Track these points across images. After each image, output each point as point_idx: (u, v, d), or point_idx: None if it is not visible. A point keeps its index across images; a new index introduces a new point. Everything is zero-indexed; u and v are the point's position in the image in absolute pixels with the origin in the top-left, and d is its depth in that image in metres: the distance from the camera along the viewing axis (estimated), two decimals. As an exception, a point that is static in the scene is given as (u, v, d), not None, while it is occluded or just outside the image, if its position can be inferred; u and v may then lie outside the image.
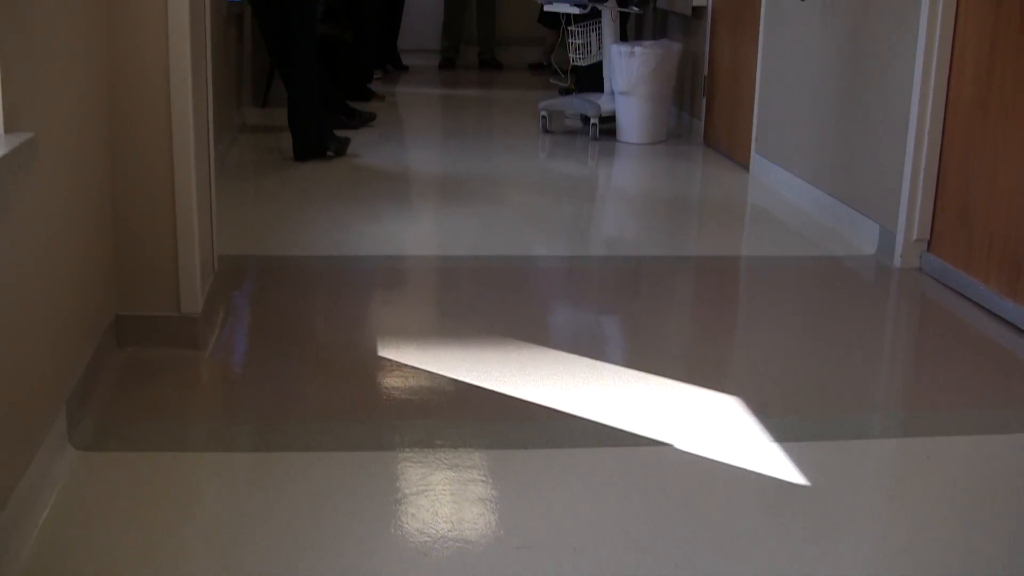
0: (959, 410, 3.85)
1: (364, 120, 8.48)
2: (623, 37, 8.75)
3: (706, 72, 8.17)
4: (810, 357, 4.30)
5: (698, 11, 8.30)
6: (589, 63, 8.52)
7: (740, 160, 7.53)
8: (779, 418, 3.65)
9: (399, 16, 11.49)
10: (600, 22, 8.38)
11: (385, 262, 5.46)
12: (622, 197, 7.27)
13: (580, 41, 8.45)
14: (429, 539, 2.79)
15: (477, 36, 12.33)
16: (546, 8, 8.61)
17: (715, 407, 3.73)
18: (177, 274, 3.99)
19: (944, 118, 5.19)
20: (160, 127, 3.89)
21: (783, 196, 6.73)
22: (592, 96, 8.44)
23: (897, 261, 5.42)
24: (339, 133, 7.59)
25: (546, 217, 6.44)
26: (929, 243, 5.35)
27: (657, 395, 3.83)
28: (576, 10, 8.24)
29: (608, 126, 8.28)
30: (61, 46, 3.18)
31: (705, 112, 8.24)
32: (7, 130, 2.61)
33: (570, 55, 8.52)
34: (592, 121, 8.21)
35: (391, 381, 3.91)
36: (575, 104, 8.44)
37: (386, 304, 4.98)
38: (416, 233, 6.02)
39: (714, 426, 3.57)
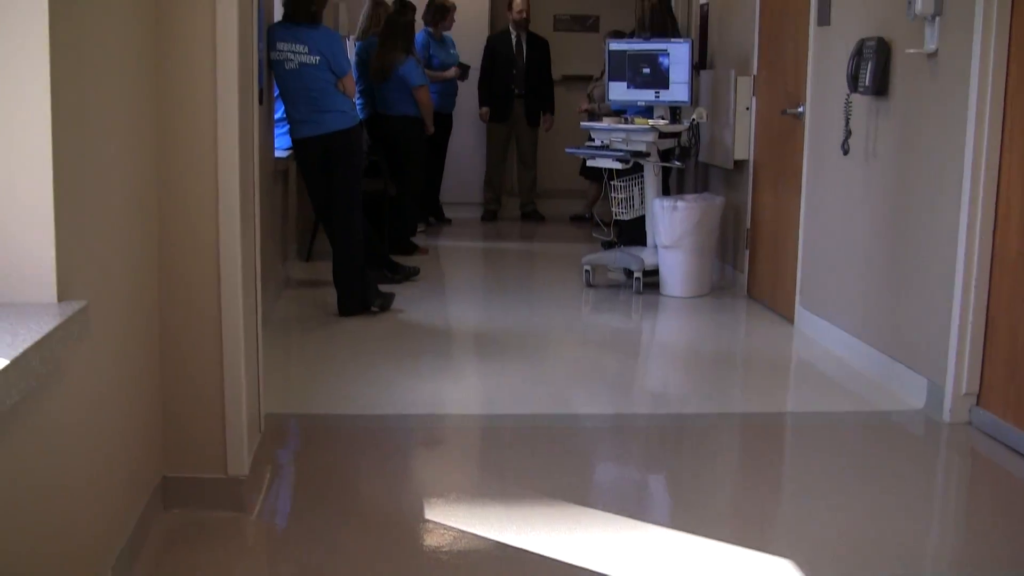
0: (1014, 570, 3.77)
1: (408, 275, 8.53)
2: (665, 191, 8.81)
3: (748, 225, 8.20)
4: (860, 518, 4.23)
5: (740, 164, 8.36)
6: (632, 217, 8.57)
7: (784, 313, 7.51)
8: (833, 582, 3.58)
9: (441, 169, 11.63)
10: (642, 176, 8.46)
11: (429, 421, 5.45)
12: (666, 352, 7.25)
13: (623, 195, 8.51)
14: None
15: (519, 188, 12.47)
16: (589, 163, 8.70)
17: (765, 570, 3.66)
18: (224, 435, 3.99)
19: (991, 270, 5.18)
20: (209, 289, 3.92)
21: (828, 349, 6.69)
22: (635, 250, 8.47)
23: (946, 416, 5.35)
24: (383, 288, 7.63)
25: (590, 373, 6.43)
26: (978, 397, 5.29)
27: (706, 558, 3.77)
28: (619, 165, 8.32)
29: (651, 279, 8.29)
30: (114, 211, 3.23)
31: (748, 265, 8.25)
32: (60, 298, 2.64)
33: (613, 209, 8.58)
34: (635, 275, 8.23)
35: (437, 543, 3.87)
36: (618, 258, 8.48)
37: (431, 464, 4.95)
38: (460, 390, 6.01)
39: (767, 591, 3.50)
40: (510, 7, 11.89)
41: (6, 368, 2.07)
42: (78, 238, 2.80)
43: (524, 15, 11.74)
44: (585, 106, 10.98)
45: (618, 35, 10.02)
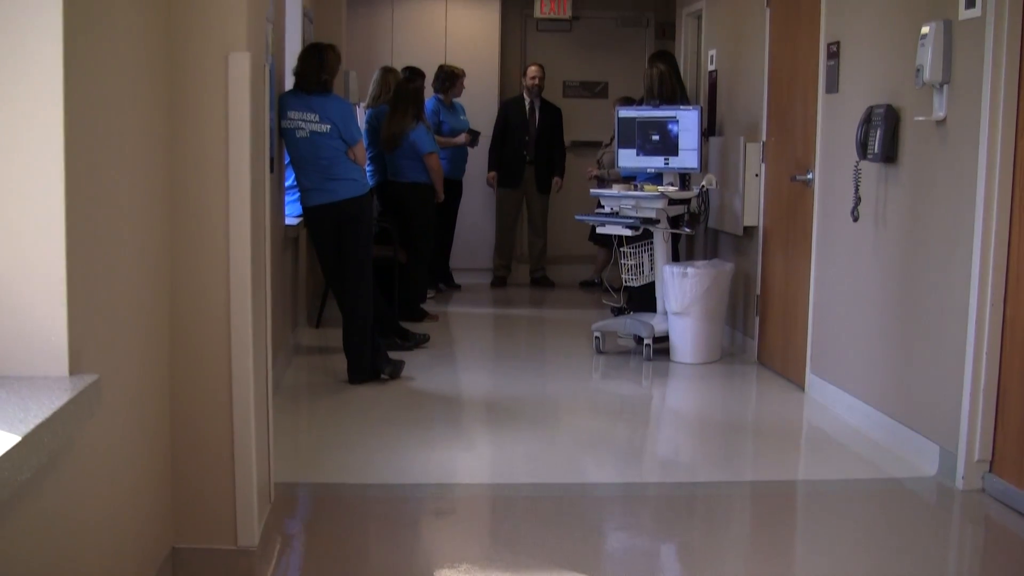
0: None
1: (418, 342, 8.53)
2: (675, 257, 8.83)
3: (759, 291, 8.20)
4: (876, 588, 4.20)
5: (749, 230, 8.38)
6: (642, 283, 8.58)
7: (795, 379, 7.49)
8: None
9: (451, 235, 11.66)
10: (652, 243, 8.47)
11: (440, 490, 5.42)
12: (677, 419, 7.23)
13: (633, 262, 8.53)
14: None
15: (528, 254, 12.49)
16: (599, 230, 8.72)
17: (781, 643, 3.63)
18: (234, 506, 3.98)
19: (1002, 337, 5.17)
20: (220, 359, 3.93)
21: (840, 416, 6.67)
22: (645, 316, 8.47)
23: (959, 483, 5.32)
24: (393, 355, 7.63)
25: (600, 441, 6.41)
26: (991, 464, 5.26)
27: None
28: (629, 232, 8.34)
29: (662, 346, 8.29)
30: (125, 282, 3.23)
31: (759, 331, 8.24)
32: (72, 371, 2.64)
33: (623, 276, 8.59)
34: (646, 342, 8.23)
35: (448, 616, 3.85)
36: (628, 325, 8.47)
37: (441, 534, 4.93)
38: (470, 459, 5.99)
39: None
40: (524, 73, 11.98)
41: (18, 445, 2.06)
42: (90, 311, 2.81)
43: (538, 82, 11.81)
44: (594, 172, 11.02)
45: (627, 102, 10.08)
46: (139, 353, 3.44)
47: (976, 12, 5.21)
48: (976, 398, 5.25)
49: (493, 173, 11.92)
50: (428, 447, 6.00)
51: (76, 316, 2.67)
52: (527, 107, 11.84)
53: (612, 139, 10.40)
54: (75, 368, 2.65)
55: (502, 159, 11.88)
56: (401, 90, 9.29)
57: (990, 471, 5.26)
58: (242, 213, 3.89)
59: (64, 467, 2.60)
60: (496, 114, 12.24)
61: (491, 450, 6.17)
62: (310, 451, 5.95)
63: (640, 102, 9.30)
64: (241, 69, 3.87)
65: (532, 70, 11.85)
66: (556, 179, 11.95)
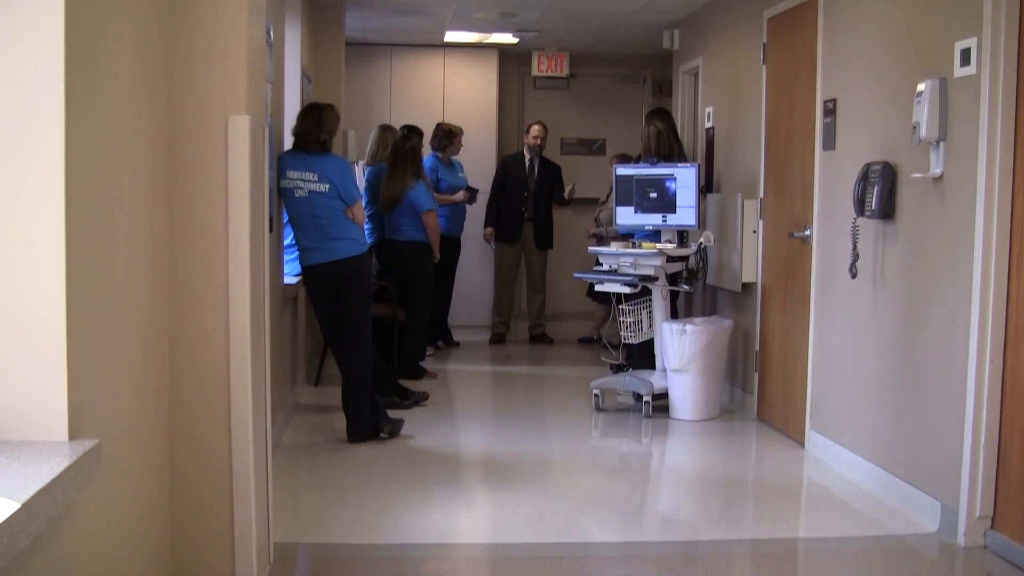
0: None
1: (417, 400, 8.52)
2: (674, 314, 8.84)
3: (758, 347, 8.20)
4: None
5: (748, 287, 8.39)
6: (641, 340, 8.58)
7: (795, 435, 7.47)
8: None
9: (450, 292, 11.66)
10: (651, 300, 8.48)
11: (439, 550, 5.40)
12: (677, 476, 7.20)
13: (631, 319, 8.53)
14: None
15: (527, 311, 12.49)
16: (597, 288, 8.72)
17: None
18: (233, 567, 3.96)
19: (1002, 393, 5.17)
20: (219, 420, 3.92)
21: (840, 472, 6.65)
22: (644, 373, 8.47)
23: (961, 539, 5.31)
24: (392, 413, 7.62)
25: (600, 499, 6.38)
26: (993, 520, 5.25)
27: None
28: (627, 289, 8.35)
29: (661, 403, 8.27)
30: (125, 346, 3.23)
31: (758, 387, 8.23)
32: (72, 436, 2.63)
33: (622, 333, 8.59)
34: (645, 399, 8.22)
35: None
36: (627, 382, 8.46)
37: (442, 594, 4.90)
38: (470, 518, 5.97)
39: None
40: (527, 131, 12.00)
41: (18, 512, 2.05)
42: (90, 375, 2.80)
43: (540, 141, 11.82)
44: (592, 230, 11.07)
45: (624, 159, 10.15)
46: (139, 416, 3.44)
47: (971, 70, 5.25)
48: (977, 454, 5.24)
49: (491, 229, 11.93)
50: (427, 506, 5.97)
51: (76, 381, 2.67)
52: (527, 164, 11.87)
53: (608, 196, 10.48)
54: (75, 433, 2.65)
55: (500, 215, 11.90)
56: (399, 149, 9.30)
57: (992, 528, 5.25)
58: (241, 274, 3.89)
59: (63, 532, 2.59)
60: (495, 170, 12.29)
61: (491, 509, 6.14)
62: (309, 511, 5.93)
63: (638, 159, 9.33)
64: (241, 132, 3.89)
65: (535, 129, 11.89)
66: (570, 188, 11.85)
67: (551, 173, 11.95)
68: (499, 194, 11.89)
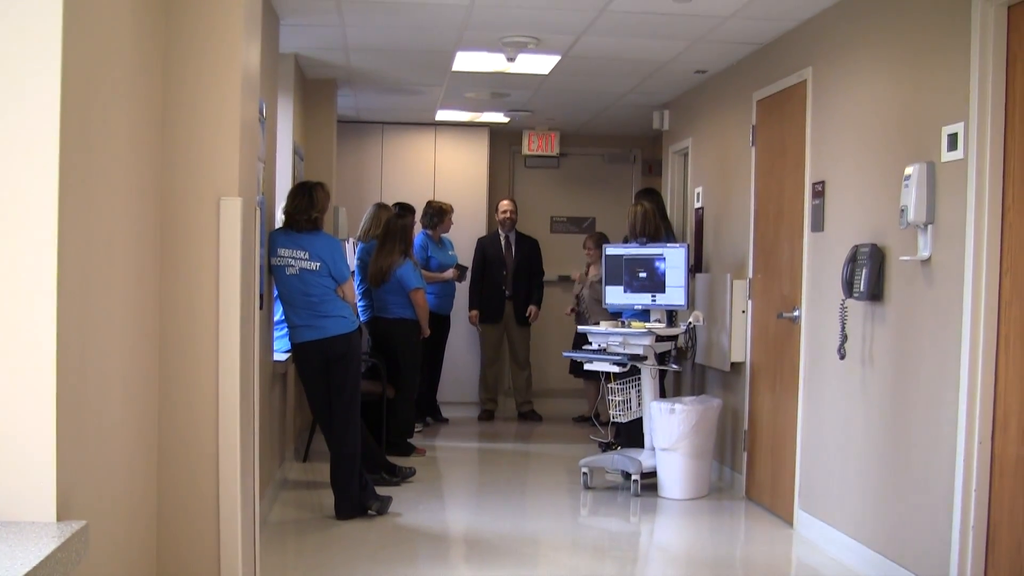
0: None
1: (405, 476, 8.50)
2: (663, 393, 8.83)
3: (746, 426, 8.19)
4: None
5: (736, 366, 8.40)
6: (630, 419, 8.58)
7: (783, 515, 7.45)
8: None
9: (439, 369, 11.66)
10: (640, 379, 8.48)
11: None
12: (665, 556, 7.17)
13: (620, 398, 8.53)
14: None
15: (514, 388, 12.47)
16: (586, 367, 8.72)
17: None
18: (219, 652, 3.92)
19: (990, 475, 5.17)
20: (207, 500, 3.91)
21: (829, 553, 6.62)
22: (633, 452, 8.45)
23: (952, 622, 5.28)
24: (381, 491, 7.59)
25: (590, 579, 6.35)
26: (984, 603, 5.23)
27: None
28: (616, 369, 8.35)
29: (650, 481, 8.25)
30: (113, 426, 3.23)
31: (747, 466, 8.22)
32: (60, 517, 2.62)
33: (611, 411, 8.59)
34: (634, 477, 8.20)
35: None
36: (616, 461, 8.44)
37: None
38: (458, 597, 5.93)
39: None
40: (496, 209, 12.08)
41: (4, 596, 2.05)
42: (78, 456, 2.80)
43: (510, 215, 11.92)
44: (571, 309, 11.18)
45: (601, 239, 10.35)
46: (127, 495, 3.42)
47: (959, 154, 5.30)
48: (966, 536, 5.23)
49: (475, 312, 11.95)
50: (415, 587, 5.94)
51: (65, 461, 2.66)
52: (503, 242, 11.93)
53: (587, 274, 10.62)
54: (63, 514, 2.64)
55: (481, 295, 11.93)
56: (391, 226, 9.32)
57: (982, 611, 5.22)
58: (231, 356, 3.90)
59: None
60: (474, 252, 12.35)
61: (479, 589, 6.11)
62: (296, 590, 5.89)
63: (625, 240, 9.37)
64: (232, 214, 3.91)
65: (504, 204, 11.99)
66: (532, 308, 11.95)
67: (529, 248, 12.00)
68: (480, 275, 11.92)
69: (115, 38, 3.21)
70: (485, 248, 12.03)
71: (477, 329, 12.24)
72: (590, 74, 9.62)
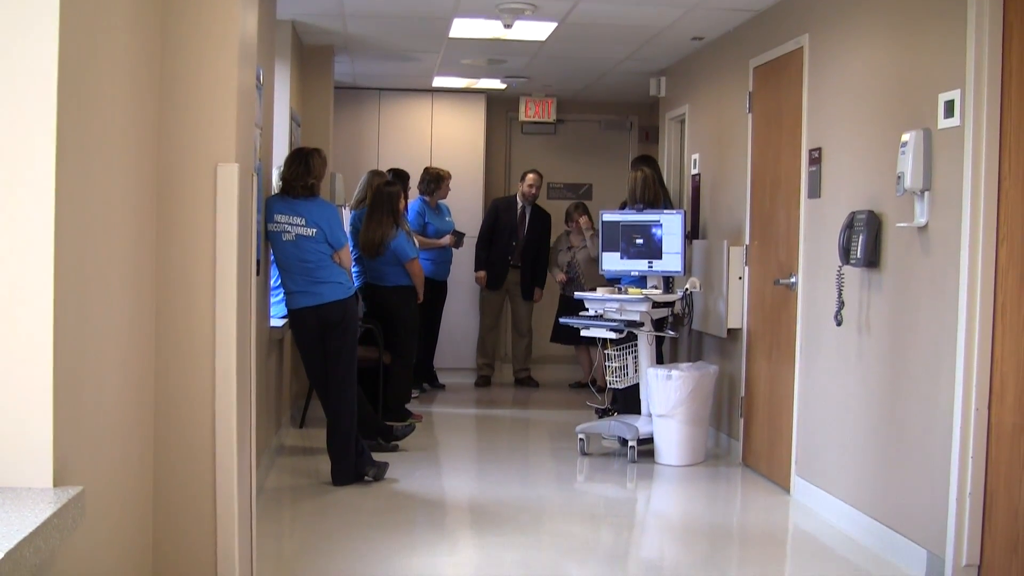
0: None
1: (404, 432, 8.51)
2: (659, 360, 8.84)
3: (743, 393, 8.21)
4: None
5: (733, 333, 8.40)
6: (626, 385, 8.59)
7: (780, 482, 7.47)
8: None
9: (436, 335, 11.66)
10: (636, 345, 8.49)
11: (423, 597, 5.39)
12: (662, 522, 7.20)
13: (617, 364, 8.54)
14: None
15: (512, 355, 12.48)
16: (583, 333, 8.71)
17: None
18: (216, 616, 3.93)
19: (987, 441, 5.18)
20: (204, 466, 3.91)
21: (826, 520, 6.65)
22: (630, 418, 8.47)
23: (948, 588, 5.31)
24: (377, 457, 7.61)
25: (584, 545, 6.36)
26: (979, 569, 5.24)
27: None
28: (613, 335, 8.36)
29: (646, 447, 8.27)
30: (110, 392, 3.23)
31: (743, 433, 8.23)
32: (56, 484, 2.62)
33: (607, 378, 8.60)
34: (630, 444, 8.21)
35: None
36: (612, 427, 8.45)
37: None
38: (452, 565, 5.95)
39: None
40: (523, 179, 11.94)
41: (0, 562, 2.04)
42: (75, 422, 2.80)
43: (535, 191, 11.82)
44: (561, 276, 11.21)
45: (580, 209, 10.70)
46: (123, 461, 3.43)
47: (955, 121, 5.29)
48: (963, 502, 5.25)
49: (483, 272, 11.91)
50: (411, 552, 5.96)
51: (61, 428, 2.66)
52: (519, 211, 11.86)
53: (571, 244, 10.68)
54: (59, 480, 2.64)
55: (488, 260, 11.88)
56: (379, 194, 9.11)
57: (978, 576, 5.25)
58: (228, 321, 3.89)
59: (46, 581, 2.58)
60: (483, 213, 12.31)
61: (475, 555, 6.12)
62: (293, 556, 5.90)
63: (623, 206, 9.36)
64: (229, 180, 3.90)
65: (531, 178, 11.82)
66: (537, 290, 11.96)
67: (542, 222, 11.94)
68: (488, 237, 11.87)
69: (112, 3, 3.19)
70: (499, 211, 11.93)
71: (481, 292, 12.20)
72: (587, 41, 9.59)
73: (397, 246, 9.11)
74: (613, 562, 6.13)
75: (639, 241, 8.53)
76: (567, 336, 10.41)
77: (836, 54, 6.75)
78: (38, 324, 2.63)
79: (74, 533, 2.58)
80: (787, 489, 7.32)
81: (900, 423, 5.86)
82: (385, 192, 9.09)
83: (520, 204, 11.85)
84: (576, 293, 9.27)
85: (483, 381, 12.16)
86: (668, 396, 7.99)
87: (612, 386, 8.67)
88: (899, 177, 5.63)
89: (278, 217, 7.11)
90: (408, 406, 9.81)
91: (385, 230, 9.00)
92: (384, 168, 10.64)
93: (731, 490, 7.75)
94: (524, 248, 11.81)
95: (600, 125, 13.80)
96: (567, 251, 11.27)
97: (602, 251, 8.81)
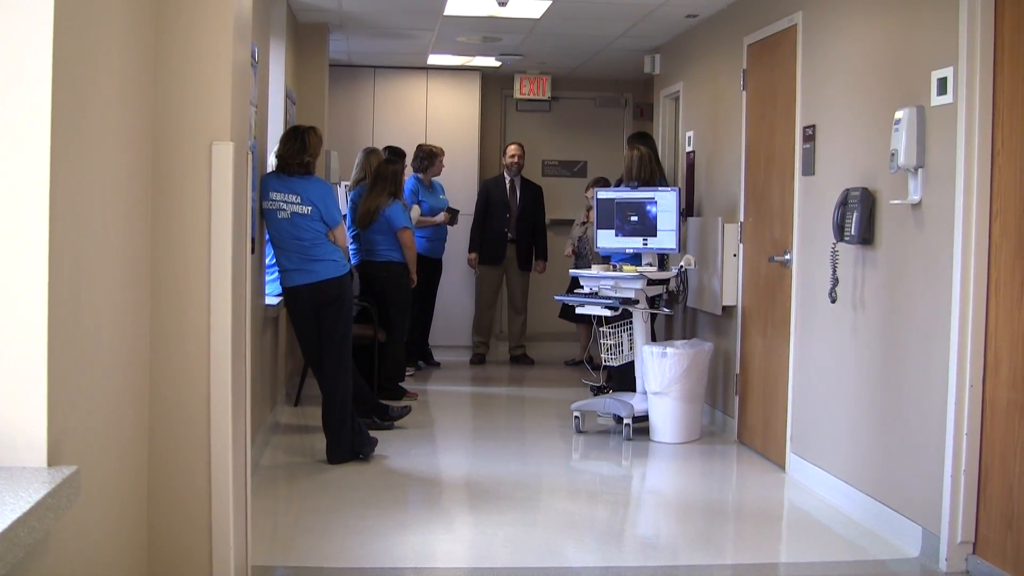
0: None
1: (400, 414, 8.51)
2: (654, 337, 8.85)
3: (738, 370, 8.22)
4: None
5: (728, 310, 8.41)
6: (621, 363, 8.59)
7: (775, 459, 7.48)
8: None
9: (431, 313, 11.66)
10: (631, 322, 8.49)
11: (418, 574, 5.39)
12: (657, 500, 7.21)
13: (612, 341, 8.54)
14: None
15: (508, 332, 12.49)
16: (578, 310, 8.72)
17: None
18: (211, 595, 3.94)
19: (982, 419, 5.19)
20: (199, 444, 3.91)
21: (821, 496, 6.66)
22: (625, 396, 8.47)
23: (943, 565, 5.32)
24: (372, 434, 7.61)
25: (580, 522, 6.37)
26: (975, 546, 5.26)
27: None
28: (608, 312, 8.36)
29: (641, 425, 8.28)
30: (105, 371, 3.23)
31: (738, 410, 8.25)
32: (51, 463, 2.63)
33: (602, 355, 8.61)
34: (625, 421, 8.22)
35: None
36: (608, 404, 8.46)
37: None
38: (449, 542, 5.96)
39: None
40: (504, 152, 12.04)
41: (-6, 541, 2.05)
42: (70, 401, 2.80)
43: (517, 160, 11.87)
44: (569, 250, 11.15)
45: (602, 183, 10.21)
46: (118, 440, 3.43)
47: (948, 99, 5.30)
48: (957, 480, 5.26)
49: (475, 255, 11.93)
50: (406, 530, 5.96)
51: (56, 406, 2.66)
52: (508, 186, 11.88)
53: (586, 219, 10.56)
54: (54, 460, 2.64)
55: (483, 237, 11.90)
56: (381, 171, 9.29)
57: (973, 553, 5.26)
58: (223, 299, 3.89)
59: (40, 561, 2.58)
60: (476, 194, 12.31)
61: (470, 533, 6.14)
62: (288, 534, 5.91)
63: (619, 183, 9.36)
64: (224, 158, 3.89)
65: (512, 149, 11.94)
66: (540, 263, 11.98)
67: (533, 194, 11.98)
68: (482, 217, 11.90)
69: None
70: (489, 191, 12.00)
71: (475, 272, 12.22)
72: (581, 18, 9.57)
73: (391, 213, 9.13)
74: (608, 539, 6.14)
75: (634, 218, 8.52)
76: (575, 314, 10.41)
77: (829, 32, 6.74)
78: (32, 303, 2.62)
79: (69, 512, 2.59)
80: (782, 466, 7.34)
81: (895, 400, 5.88)
82: (389, 169, 9.29)
83: (508, 178, 11.89)
84: (570, 271, 9.28)
85: (478, 359, 12.17)
86: (663, 373, 8.00)
87: (607, 363, 8.68)
88: (893, 154, 5.63)
89: (273, 195, 7.10)
90: (403, 384, 9.81)
91: (382, 199, 9.10)
92: (380, 146, 10.62)
93: (726, 467, 7.76)
94: (518, 220, 11.84)
95: (595, 102, 13.77)
96: (580, 226, 11.24)
97: (597, 228, 8.80)
